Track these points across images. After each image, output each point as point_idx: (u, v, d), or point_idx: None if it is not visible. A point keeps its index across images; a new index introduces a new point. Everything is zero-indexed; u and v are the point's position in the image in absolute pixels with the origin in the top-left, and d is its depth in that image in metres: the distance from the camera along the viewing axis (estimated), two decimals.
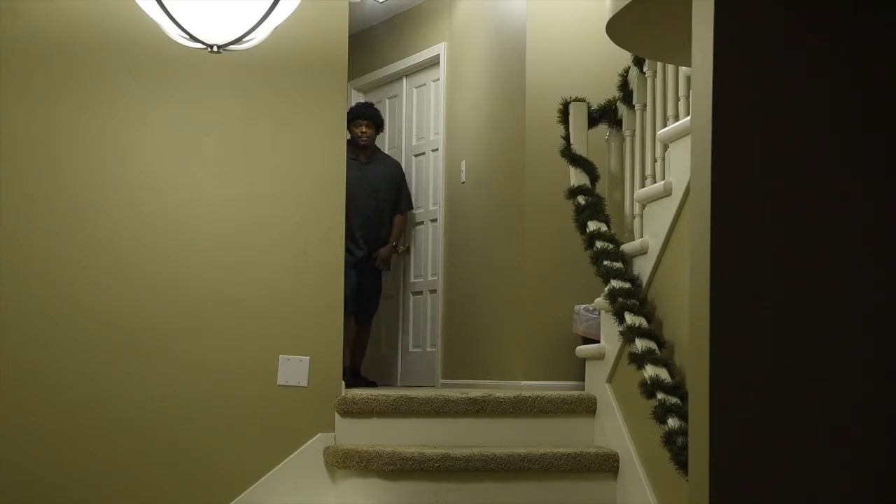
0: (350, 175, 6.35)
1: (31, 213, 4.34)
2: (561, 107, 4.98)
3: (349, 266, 6.35)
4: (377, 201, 7.05)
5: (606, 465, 4.32)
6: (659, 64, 4.30)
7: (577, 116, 4.92)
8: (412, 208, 7.30)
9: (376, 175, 7.07)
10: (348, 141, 6.36)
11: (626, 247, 4.39)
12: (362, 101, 7.43)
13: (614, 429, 4.39)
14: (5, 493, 4.23)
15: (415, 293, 7.28)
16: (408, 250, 7.42)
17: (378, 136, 7.24)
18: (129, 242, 4.41)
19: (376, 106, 7.32)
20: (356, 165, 6.91)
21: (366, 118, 7.05)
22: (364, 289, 6.98)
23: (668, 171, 4.08)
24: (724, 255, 1.91)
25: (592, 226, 4.50)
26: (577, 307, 5.28)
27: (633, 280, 4.25)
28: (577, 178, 4.79)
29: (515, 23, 5.89)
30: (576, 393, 4.72)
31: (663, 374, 3.83)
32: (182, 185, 4.48)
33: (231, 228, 4.51)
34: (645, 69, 4.43)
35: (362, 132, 7.04)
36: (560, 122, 4.96)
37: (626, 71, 4.65)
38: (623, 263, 4.32)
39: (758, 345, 1.91)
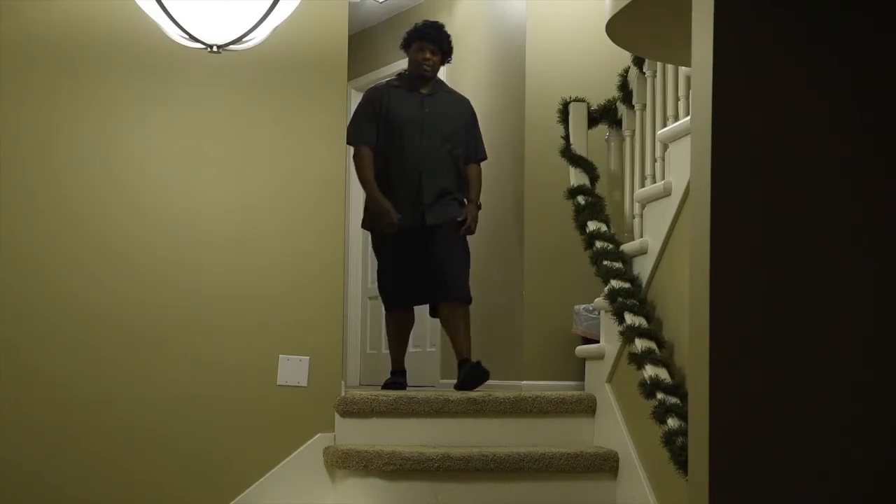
0: (405, 111, 5.39)
1: (31, 213, 4.34)
2: (561, 107, 4.99)
3: (401, 241, 5.31)
4: (446, 144, 5.40)
5: (606, 465, 4.32)
6: (659, 64, 4.30)
7: (577, 116, 4.93)
8: (485, 158, 5.62)
9: (443, 111, 5.46)
10: (400, 74, 5.63)
11: (626, 247, 4.39)
12: (429, 20, 5.72)
13: (614, 429, 4.39)
14: (4, 492, 4.23)
15: None
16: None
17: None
18: (128, 242, 4.41)
19: None
20: (414, 98, 5.44)
21: (432, 41, 5.49)
22: (434, 259, 5.31)
23: (668, 171, 4.08)
24: (724, 255, 1.91)
25: (592, 226, 4.51)
26: (577, 307, 5.28)
27: (633, 280, 4.25)
28: (576, 178, 4.79)
29: (515, 23, 5.89)
30: (575, 393, 4.72)
31: (663, 374, 3.83)
32: (182, 184, 4.48)
33: (231, 228, 4.51)
34: (645, 69, 4.44)
35: (426, 59, 5.46)
36: (560, 121, 4.97)
37: (626, 71, 4.65)
38: (623, 263, 4.32)
39: (758, 345, 1.91)
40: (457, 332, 5.31)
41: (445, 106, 5.48)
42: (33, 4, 4.34)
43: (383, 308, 5.63)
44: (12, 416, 4.27)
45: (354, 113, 5.54)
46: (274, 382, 4.51)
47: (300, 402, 4.51)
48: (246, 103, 4.56)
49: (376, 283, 5.71)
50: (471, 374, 5.09)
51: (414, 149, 5.34)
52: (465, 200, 5.42)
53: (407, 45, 5.55)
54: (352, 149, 5.46)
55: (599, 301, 4.48)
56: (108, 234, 4.40)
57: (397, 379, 5.46)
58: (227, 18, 3.74)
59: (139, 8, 3.82)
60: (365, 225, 5.54)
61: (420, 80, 5.48)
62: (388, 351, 7.43)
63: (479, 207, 5.45)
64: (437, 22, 5.67)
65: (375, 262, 7.60)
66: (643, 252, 4.25)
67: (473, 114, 5.58)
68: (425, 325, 7.08)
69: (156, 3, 3.70)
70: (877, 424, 1.95)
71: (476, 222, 5.40)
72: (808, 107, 1.97)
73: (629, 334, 4.05)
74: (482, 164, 5.59)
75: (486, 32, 6.37)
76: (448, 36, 5.56)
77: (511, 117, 5.86)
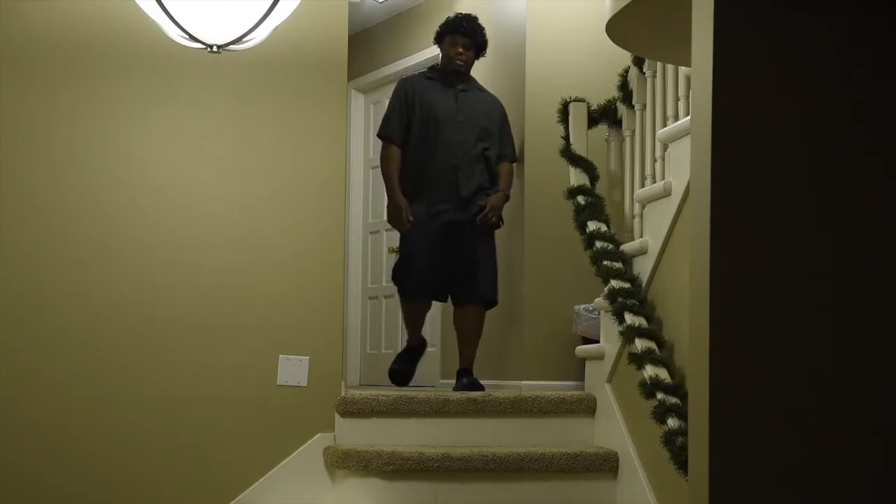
0: (440, 105, 5.31)
1: (31, 213, 4.33)
2: (561, 107, 4.99)
3: (435, 233, 5.22)
4: (480, 143, 5.29)
5: (606, 465, 4.32)
6: (659, 64, 4.30)
7: (577, 116, 4.93)
8: (516, 160, 5.53)
9: (477, 108, 5.36)
10: (432, 67, 5.56)
11: (626, 247, 4.39)
12: (462, 13, 5.55)
13: (614, 429, 4.39)
14: (4, 492, 4.23)
15: None
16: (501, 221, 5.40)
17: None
18: (129, 242, 4.41)
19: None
20: (448, 93, 5.36)
21: (465, 34, 5.36)
22: (463, 257, 5.26)
23: (668, 171, 4.08)
24: (724, 255, 1.92)
25: (592, 226, 4.51)
26: (577, 307, 5.28)
27: (633, 280, 4.25)
28: (576, 178, 4.79)
29: (515, 23, 5.89)
30: (575, 393, 4.72)
31: (663, 374, 3.83)
32: (182, 184, 4.48)
33: (231, 228, 4.51)
34: (645, 69, 4.44)
35: (459, 53, 5.35)
36: (560, 121, 4.97)
37: (626, 71, 4.65)
38: (623, 263, 4.33)
39: (757, 345, 1.91)
40: (466, 337, 5.29)
41: (479, 104, 5.37)
42: (33, 4, 4.34)
43: (399, 297, 5.47)
44: (12, 416, 4.27)
45: (388, 105, 5.47)
46: (274, 382, 4.51)
47: (300, 402, 4.51)
48: (246, 103, 4.56)
49: (390, 276, 5.54)
50: (469, 387, 5.10)
51: (449, 144, 5.23)
52: (489, 200, 5.28)
53: (440, 40, 5.44)
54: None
55: (599, 301, 4.48)
56: (108, 234, 4.40)
57: (402, 366, 5.42)
58: (227, 18, 3.74)
59: (139, 8, 3.82)
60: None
61: (454, 75, 5.37)
62: (388, 351, 7.48)
63: (506, 198, 5.33)
64: (469, 14, 5.50)
65: (375, 263, 7.69)
66: (643, 252, 4.25)
67: (505, 115, 5.49)
68: (425, 326, 7.08)
69: (156, 3, 3.70)
70: (877, 424, 1.95)
71: (497, 213, 5.26)
72: (808, 107, 1.97)
73: (629, 334, 4.05)
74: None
75: (486, 31, 6.36)
76: (482, 28, 5.40)
77: (511, 117, 5.86)
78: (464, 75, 5.40)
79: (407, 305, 5.45)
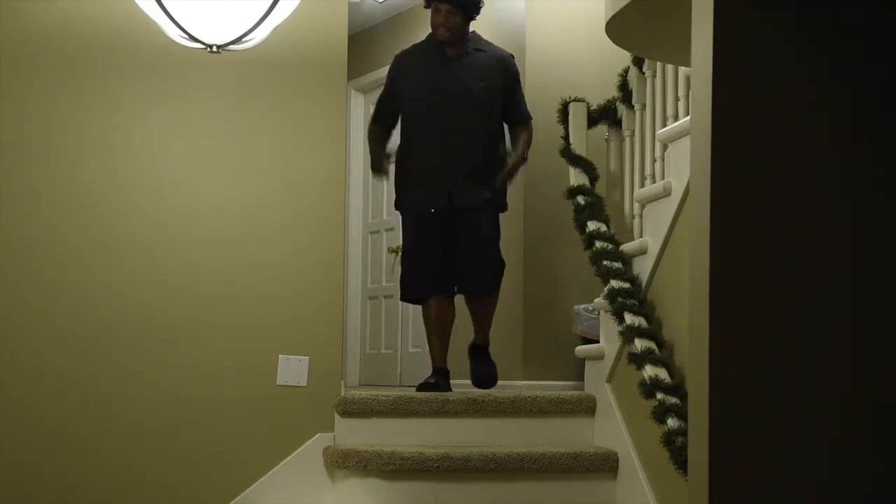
0: (426, 81, 4.93)
1: (32, 213, 4.33)
2: (561, 107, 4.99)
3: (426, 227, 4.88)
4: (475, 113, 4.87)
5: (606, 465, 4.32)
6: (658, 64, 4.30)
7: (577, 116, 4.93)
8: (531, 118, 5.04)
9: (471, 74, 4.89)
10: (429, 35, 5.10)
11: (626, 247, 4.39)
12: None
13: (614, 429, 4.39)
14: (5, 491, 4.23)
15: None
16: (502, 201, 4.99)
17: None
18: (128, 242, 4.41)
19: None
20: (438, 65, 4.94)
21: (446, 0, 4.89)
22: (462, 247, 4.88)
23: (668, 171, 4.08)
24: (723, 255, 1.92)
25: (592, 226, 4.51)
26: (576, 307, 5.28)
27: (633, 280, 4.25)
28: (576, 177, 4.79)
29: (515, 23, 5.89)
30: (575, 393, 4.72)
31: (663, 374, 3.84)
32: (182, 184, 4.48)
33: (230, 228, 4.51)
34: (644, 69, 4.44)
35: (440, 22, 4.92)
36: (560, 121, 4.97)
37: (626, 71, 4.66)
38: (623, 263, 4.33)
39: (757, 345, 1.92)
40: (481, 319, 5.02)
41: (475, 69, 4.90)
42: (33, 4, 4.34)
43: (410, 300, 5.10)
44: (13, 416, 4.27)
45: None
46: (274, 382, 4.51)
47: (300, 402, 4.51)
48: (246, 103, 4.56)
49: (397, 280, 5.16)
50: (483, 380, 5.01)
51: (438, 123, 4.85)
52: (506, 168, 4.88)
53: (428, 7, 5.04)
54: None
55: (599, 301, 4.48)
56: (108, 233, 4.40)
57: (437, 379, 4.90)
58: (227, 18, 3.74)
59: (139, 8, 3.82)
60: (397, 206, 5.10)
61: (443, 44, 4.94)
62: (388, 351, 7.46)
63: (524, 160, 4.90)
64: None
65: (375, 263, 7.68)
66: (643, 252, 4.25)
67: (512, 73, 4.99)
68: (413, 326, 7.07)
69: (156, 3, 3.70)
70: (877, 424, 1.95)
71: (513, 174, 4.86)
72: (808, 107, 1.97)
73: (629, 334, 4.06)
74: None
75: (486, 32, 6.36)
76: None
77: None
78: (456, 43, 4.93)
79: (429, 309, 4.95)
